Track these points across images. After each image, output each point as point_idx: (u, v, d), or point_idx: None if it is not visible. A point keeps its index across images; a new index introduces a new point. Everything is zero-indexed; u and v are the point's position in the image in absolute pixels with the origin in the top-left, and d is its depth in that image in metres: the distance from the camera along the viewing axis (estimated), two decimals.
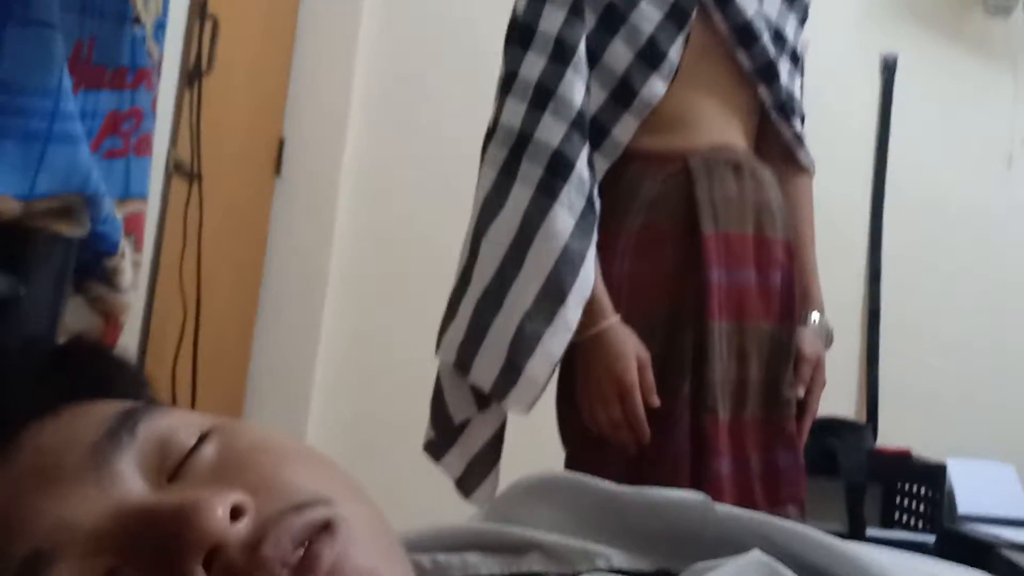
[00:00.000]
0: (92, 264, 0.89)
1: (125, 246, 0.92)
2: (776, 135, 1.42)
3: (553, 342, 1.21)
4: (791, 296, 1.34)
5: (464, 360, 1.26)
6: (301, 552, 0.40)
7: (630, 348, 1.23)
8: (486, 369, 1.24)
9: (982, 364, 2.63)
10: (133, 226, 0.96)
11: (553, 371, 1.23)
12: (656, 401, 1.23)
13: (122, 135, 0.95)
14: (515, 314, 1.22)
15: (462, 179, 2.53)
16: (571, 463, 1.33)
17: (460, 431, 1.34)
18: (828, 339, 1.41)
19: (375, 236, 2.57)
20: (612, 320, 1.24)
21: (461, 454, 1.34)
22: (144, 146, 0.98)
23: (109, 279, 0.91)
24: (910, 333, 2.62)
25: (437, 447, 1.36)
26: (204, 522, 0.39)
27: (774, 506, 1.26)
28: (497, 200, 1.26)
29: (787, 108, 1.40)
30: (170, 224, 1.74)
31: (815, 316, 1.40)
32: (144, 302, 1.66)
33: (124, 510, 0.41)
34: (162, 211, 1.73)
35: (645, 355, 1.24)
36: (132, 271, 0.94)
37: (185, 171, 1.75)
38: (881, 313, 2.65)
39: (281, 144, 2.51)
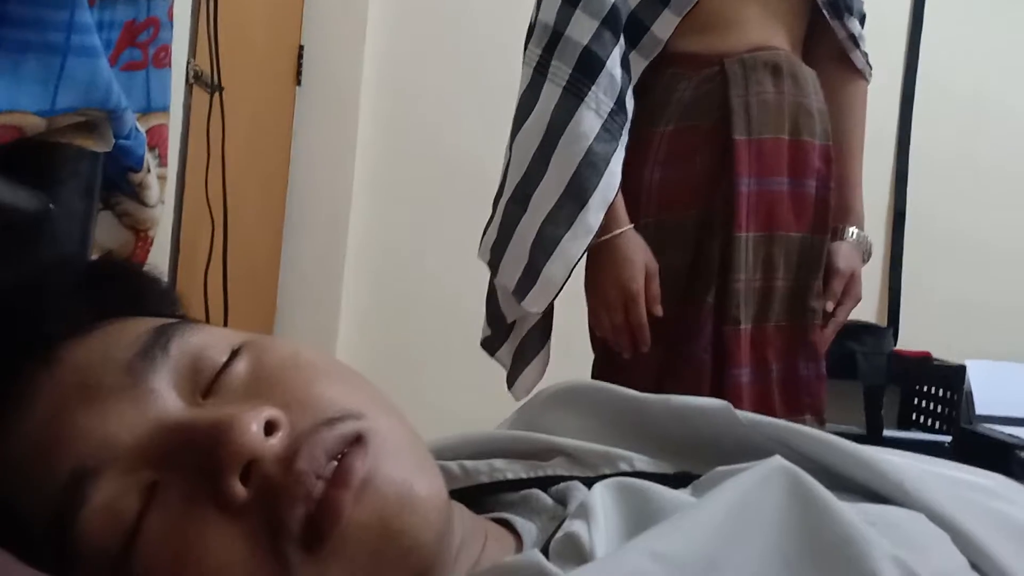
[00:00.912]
0: (118, 180, 0.90)
1: (150, 160, 0.92)
2: (829, 35, 1.37)
3: (572, 245, 1.21)
4: (825, 204, 1.31)
5: (494, 261, 1.28)
6: (335, 465, 0.42)
7: (639, 257, 1.24)
8: (511, 270, 1.25)
9: (1006, 267, 2.61)
10: (157, 140, 0.96)
11: (571, 273, 1.23)
12: (659, 311, 1.24)
13: (140, 46, 0.93)
14: (538, 216, 1.22)
15: (486, 80, 2.51)
16: (597, 367, 1.35)
17: (512, 327, 1.37)
18: (866, 255, 1.39)
19: (398, 141, 2.56)
20: (624, 228, 1.24)
21: (510, 347, 1.37)
22: (163, 57, 0.97)
23: (136, 194, 0.91)
24: (935, 235, 2.59)
25: (492, 342, 1.39)
26: (240, 438, 0.40)
27: (793, 414, 1.27)
28: (530, 100, 1.25)
29: (840, 5, 1.36)
30: (193, 137, 1.74)
31: (853, 231, 1.38)
32: (173, 216, 1.67)
33: (163, 427, 0.43)
34: (185, 124, 1.72)
35: (654, 265, 1.24)
36: (158, 185, 0.95)
37: (206, 82, 1.74)
38: (906, 215, 2.61)
39: (300, 51, 2.48)
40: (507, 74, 2.43)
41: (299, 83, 2.48)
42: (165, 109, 0.98)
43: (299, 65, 2.48)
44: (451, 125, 2.52)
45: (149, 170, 0.92)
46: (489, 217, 1.33)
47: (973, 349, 2.39)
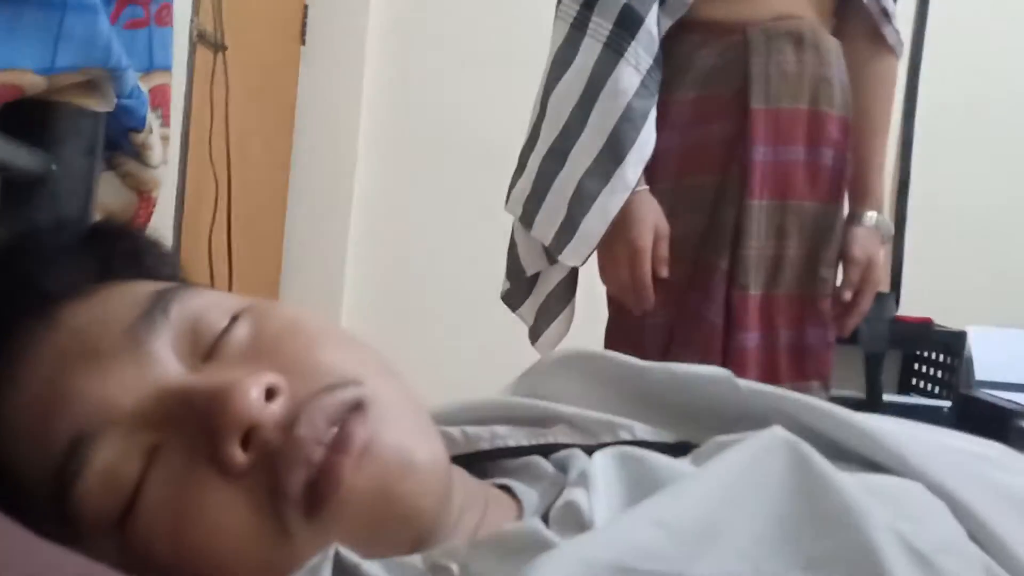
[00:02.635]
0: (120, 140, 0.89)
1: (152, 120, 0.92)
2: (861, 9, 1.36)
3: (610, 200, 1.23)
4: (840, 174, 1.31)
5: (528, 215, 1.29)
6: (335, 431, 0.42)
7: (650, 217, 1.25)
8: (547, 224, 1.27)
9: (1009, 234, 2.60)
10: (159, 99, 0.95)
11: (607, 228, 1.24)
12: (664, 272, 1.26)
13: (142, 4, 0.92)
14: (576, 171, 1.24)
15: (490, 38, 2.49)
16: (610, 326, 1.36)
17: (534, 282, 1.38)
18: (885, 238, 1.38)
19: (403, 100, 2.54)
20: (638, 188, 1.25)
21: (533, 303, 1.39)
22: (165, 15, 0.95)
23: (139, 154, 0.91)
24: (939, 202, 2.58)
25: (513, 297, 1.41)
26: (240, 403, 0.40)
27: (798, 380, 1.29)
28: (567, 55, 1.26)
29: None
30: (197, 96, 1.72)
31: (872, 215, 1.36)
32: (177, 177, 1.66)
33: (163, 391, 0.43)
34: (188, 83, 1.71)
35: (664, 227, 1.26)
36: (161, 146, 0.94)
37: (209, 41, 1.72)
38: (911, 182, 2.60)
39: (305, 11, 2.45)
40: (512, 31, 2.42)
41: (303, 42, 2.46)
42: (167, 68, 0.97)
43: (303, 24, 2.45)
44: (456, 84, 2.50)
45: (152, 130, 0.91)
46: (516, 171, 1.34)
47: (974, 315, 2.39)
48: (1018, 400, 2.06)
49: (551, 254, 1.30)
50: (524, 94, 1.38)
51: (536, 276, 1.38)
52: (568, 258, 1.27)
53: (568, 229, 1.25)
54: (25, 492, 0.42)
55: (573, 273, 1.37)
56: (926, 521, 0.43)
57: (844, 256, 1.33)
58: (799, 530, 0.40)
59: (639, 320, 1.29)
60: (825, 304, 1.32)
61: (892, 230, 1.41)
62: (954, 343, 2.31)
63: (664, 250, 1.25)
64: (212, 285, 0.51)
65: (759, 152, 1.25)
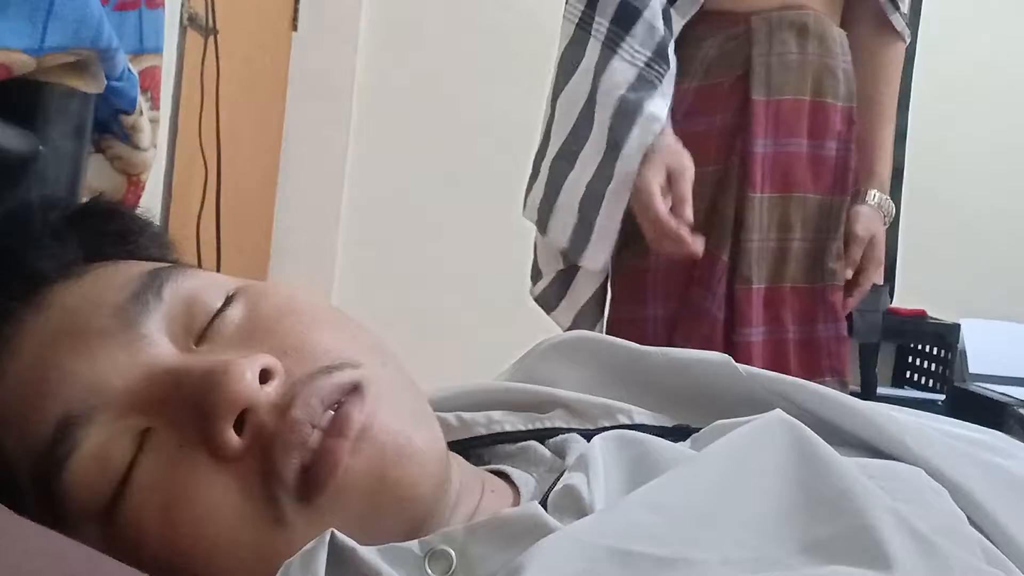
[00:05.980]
0: (110, 122, 0.88)
1: (142, 103, 0.91)
2: None
3: (616, 198, 1.21)
4: (845, 166, 1.31)
5: (542, 220, 1.28)
6: (331, 414, 0.41)
7: (658, 156, 1.19)
8: (561, 228, 1.25)
9: (1003, 227, 2.60)
10: (149, 82, 0.94)
11: (619, 223, 1.22)
12: (690, 215, 1.19)
13: None
14: (585, 173, 1.22)
15: (486, 23, 2.47)
16: (612, 320, 1.35)
17: (567, 285, 1.36)
18: (887, 217, 1.38)
19: (396, 86, 2.52)
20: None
21: (569, 306, 1.37)
22: None
23: (128, 137, 0.90)
24: (933, 194, 2.58)
25: (547, 300, 1.39)
26: (234, 385, 0.39)
27: (812, 375, 1.26)
28: (573, 56, 1.25)
29: None
30: (187, 80, 1.71)
31: (874, 194, 1.36)
32: (165, 161, 1.65)
33: (155, 373, 0.42)
34: (178, 67, 1.69)
35: (679, 165, 1.19)
36: (151, 129, 0.93)
37: (200, 25, 1.70)
38: (905, 173, 2.60)
39: None
40: (507, 19, 2.41)
41: (295, 28, 2.44)
42: (158, 51, 0.96)
43: (295, 9, 2.44)
44: (451, 69, 2.48)
45: (141, 112, 0.90)
46: (531, 176, 1.33)
47: (968, 307, 2.39)
48: (1012, 393, 2.06)
49: (569, 257, 1.28)
50: (518, 82, 1.38)
51: (569, 279, 1.36)
52: (588, 262, 1.26)
53: (583, 233, 1.23)
54: (12, 475, 0.42)
55: (607, 278, 1.35)
56: (926, 504, 0.43)
57: (846, 234, 1.32)
58: (799, 513, 0.40)
59: (641, 313, 1.28)
60: (836, 297, 1.31)
61: (893, 210, 1.40)
62: (948, 335, 2.31)
63: (682, 190, 1.19)
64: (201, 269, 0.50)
65: (759, 144, 1.24)
